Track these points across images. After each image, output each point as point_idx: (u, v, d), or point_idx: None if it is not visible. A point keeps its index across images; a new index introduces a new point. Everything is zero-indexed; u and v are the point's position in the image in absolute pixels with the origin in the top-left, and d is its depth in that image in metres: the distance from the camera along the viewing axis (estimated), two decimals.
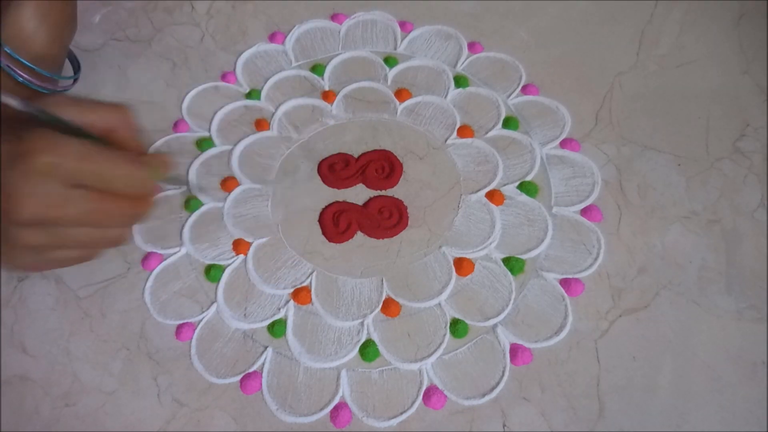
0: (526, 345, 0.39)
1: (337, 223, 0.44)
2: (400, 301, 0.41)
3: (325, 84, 0.52)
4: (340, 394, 0.38)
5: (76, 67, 0.46)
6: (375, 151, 0.48)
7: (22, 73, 0.39)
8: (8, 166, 0.23)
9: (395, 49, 0.54)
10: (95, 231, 0.27)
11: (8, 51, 0.38)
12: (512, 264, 0.42)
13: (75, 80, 0.46)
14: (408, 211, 0.45)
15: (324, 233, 0.44)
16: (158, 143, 0.48)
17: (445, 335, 0.40)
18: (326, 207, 0.45)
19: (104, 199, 0.26)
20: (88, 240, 0.27)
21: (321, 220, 0.44)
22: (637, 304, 0.41)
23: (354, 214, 0.44)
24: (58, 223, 0.25)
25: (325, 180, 0.46)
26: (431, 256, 0.43)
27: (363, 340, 0.40)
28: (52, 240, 0.26)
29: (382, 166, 0.47)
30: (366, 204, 0.45)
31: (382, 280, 0.42)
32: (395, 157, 0.47)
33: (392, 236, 0.44)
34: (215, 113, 0.50)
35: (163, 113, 0.50)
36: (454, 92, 0.51)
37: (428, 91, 0.51)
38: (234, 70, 0.53)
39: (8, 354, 0.39)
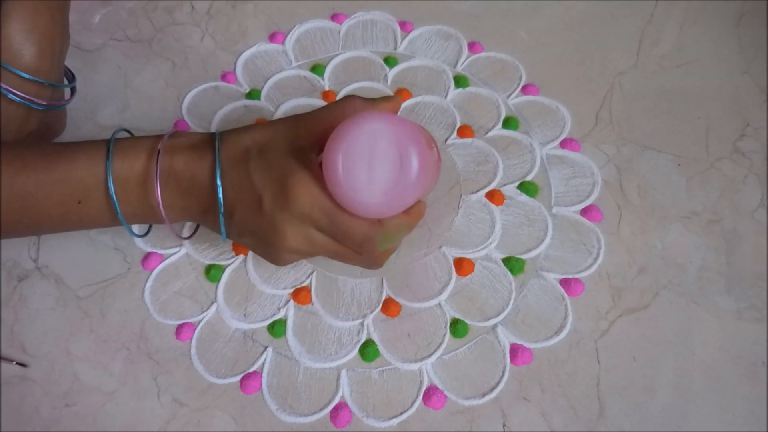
0: (526, 345, 0.39)
1: None
2: (400, 301, 0.41)
3: (325, 84, 0.52)
4: (340, 394, 0.38)
5: (70, 79, 0.45)
6: None
7: (16, 92, 0.38)
8: (276, 207, 0.31)
9: (395, 49, 0.54)
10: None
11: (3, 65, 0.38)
12: (512, 264, 0.42)
13: (72, 91, 0.45)
14: None
15: None
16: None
17: (445, 335, 0.40)
18: None
19: (342, 246, 0.33)
20: (337, 259, 0.35)
21: None
22: (637, 304, 0.41)
23: None
24: (307, 253, 0.34)
25: None
26: (431, 256, 0.43)
27: (363, 340, 0.40)
28: (305, 257, 0.36)
29: None
30: None
31: (382, 280, 0.42)
32: None
33: None
34: (215, 113, 0.50)
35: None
36: (454, 92, 0.51)
37: (428, 91, 0.51)
38: (234, 70, 0.53)
39: (8, 354, 0.39)
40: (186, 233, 0.42)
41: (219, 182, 0.33)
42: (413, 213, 0.33)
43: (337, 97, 0.51)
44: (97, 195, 0.34)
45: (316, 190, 0.31)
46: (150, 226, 0.40)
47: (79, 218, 0.35)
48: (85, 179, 0.34)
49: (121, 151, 0.34)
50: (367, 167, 0.29)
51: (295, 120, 0.34)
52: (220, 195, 0.33)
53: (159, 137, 0.35)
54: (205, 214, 0.35)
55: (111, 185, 0.33)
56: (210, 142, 0.34)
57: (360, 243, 0.32)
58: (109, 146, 0.34)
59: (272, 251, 0.34)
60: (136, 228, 0.43)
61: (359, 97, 0.34)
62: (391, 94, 0.39)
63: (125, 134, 0.38)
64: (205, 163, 0.33)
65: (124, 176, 0.34)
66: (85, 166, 0.34)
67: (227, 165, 0.33)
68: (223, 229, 0.34)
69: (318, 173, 0.31)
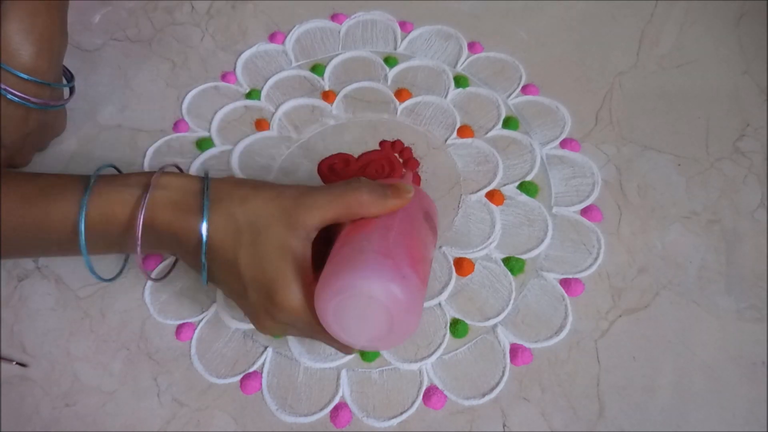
0: (526, 345, 0.39)
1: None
2: None
3: (325, 84, 0.52)
4: (340, 394, 0.38)
5: (69, 78, 0.45)
6: (375, 151, 0.48)
7: (15, 92, 0.38)
8: (261, 308, 0.32)
9: (395, 49, 0.54)
10: None
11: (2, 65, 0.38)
12: (512, 264, 0.42)
13: (71, 90, 0.45)
14: None
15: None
16: (158, 143, 0.48)
17: (445, 335, 0.40)
18: None
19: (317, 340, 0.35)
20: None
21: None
22: (637, 304, 0.41)
23: None
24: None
25: (325, 180, 0.46)
26: None
27: None
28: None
29: (382, 166, 0.47)
30: None
31: None
32: (395, 157, 0.47)
33: None
34: (215, 113, 0.50)
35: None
36: (454, 92, 0.51)
37: (428, 91, 0.51)
38: (234, 70, 0.53)
39: (8, 354, 0.39)
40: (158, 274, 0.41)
41: (204, 261, 0.32)
42: None
43: (337, 98, 0.51)
44: (74, 240, 0.32)
45: (303, 308, 0.30)
46: (120, 271, 0.39)
47: (58, 254, 0.36)
48: (61, 227, 0.32)
49: (100, 205, 0.32)
50: (358, 321, 0.29)
51: (294, 204, 0.32)
52: (204, 276, 0.33)
53: (144, 180, 0.33)
54: (186, 261, 0.35)
55: (82, 240, 0.32)
56: (197, 201, 0.32)
57: (337, 350, 0.36)
58: (86, 192, 0.32)
59: (252, 322, 0.34)
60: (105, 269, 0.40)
61: (366, 185, 0.32)
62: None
63: (111, 170, 0.37)
64: (189, 228, 0.31)
65: (101, 226, 0.32)
66: (63, 215, 0.32)
67: (214, 243, 0.31)
68: (204, 276, 0.33)
69: (309, 273, 0.31)
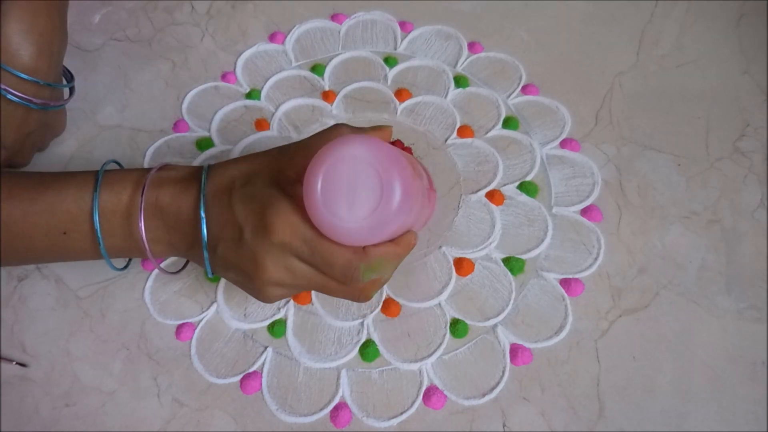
0: (526, 345, 0.39)
1: None
2: (400, 301, 0.41)
3: (325, 84, 0.52)
4: (340, 394, 0.38)
5: (69, 79, 0.45)
6: None
7: (15, 92, 0.38)
8: (256, 237, 0.30)
9: (395, 49, 0.54)
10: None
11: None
12: (512, 264, 0.42)
13: (71, 91, 0.45)
14: None
15: None
16: (158, 143, 0.48)
17: (445, 335, 0.40)
18: None
19: (325, 277, 0.32)
20: (322, 291, 0.34)
21: None
22: (637, 304, 0.41)
23: None
24: (291, 286, 0.32)
25: None
26: (431, 256, 0.43)
27: (363, 340, 0.40)
28: (290, 291, 0.34)
29: None
30: None
31: None
32: None
33: None
34: (215, 113, 0.50)
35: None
36: (454, 92, 0.51)
37: (428, 91, 0.51)
38: (234, 70, 0.53)
39: (8, 354, 0.39)
40: (174, 268, 0.41)
41: (203, 214, 0.32)
42: (401, 243, 0.31)
43: (337, 98, 0.51)
44: (83, 227, 0.34)
45: (295, 218, 0.30)
46: (129, 261, 0.39)
47: (65, 249, 0.35)
48: (72, 210, 0.33)
49: (109, 184, 0.34)
50: (347, 192, 0.28)
51: (281, 150, 0.33)
52: (204, 228, 0.32)
53: (148, 170, 0.35)
54: (191, 248, 0.34)
55: (96, 217, 0.33)
56: (197, 175, 0.34)
57: (342, 272, 0.30)
58: (97, 178, 0.34)
59: (255, 285, 0.32)
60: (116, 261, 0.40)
61: (347, 125, 0.33)
62: (387, 118, 0.37)
63: (114, 165, 0.37)
64: (191, 196, 0.33)
65: (110, 209, 0.33)
66: (73, 198, 0.33)
67: (211, 198, 0.32)
68: (207, 264, 0.33)
69: (301, 203, 0.29)
